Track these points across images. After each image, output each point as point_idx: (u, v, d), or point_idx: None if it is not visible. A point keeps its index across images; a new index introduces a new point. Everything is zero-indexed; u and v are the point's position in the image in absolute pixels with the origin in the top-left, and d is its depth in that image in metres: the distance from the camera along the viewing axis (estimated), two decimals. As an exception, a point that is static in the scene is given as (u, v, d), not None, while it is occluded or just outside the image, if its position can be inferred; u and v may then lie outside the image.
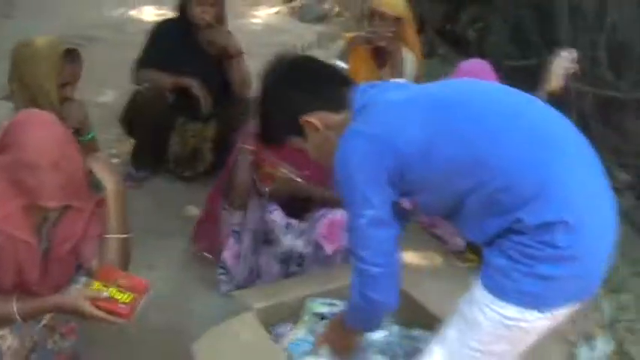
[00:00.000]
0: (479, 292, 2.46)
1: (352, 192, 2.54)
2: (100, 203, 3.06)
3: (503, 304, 2.40)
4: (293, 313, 3.46)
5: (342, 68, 2.92)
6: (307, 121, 2.71)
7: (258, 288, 3.97)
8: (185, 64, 5.04)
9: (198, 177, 5.32)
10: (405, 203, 2.69)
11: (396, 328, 3.38)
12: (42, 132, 2.81)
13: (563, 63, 4.40)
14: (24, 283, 2.91)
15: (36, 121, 2.87)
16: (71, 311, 2.77)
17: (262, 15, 10.32)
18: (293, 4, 10.66)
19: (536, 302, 2.39)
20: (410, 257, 4.58)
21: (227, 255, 4.07)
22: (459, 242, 4.75)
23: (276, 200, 4.01)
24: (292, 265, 4.04)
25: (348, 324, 2.89)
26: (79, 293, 2.80)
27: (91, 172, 2.97)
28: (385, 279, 2.60)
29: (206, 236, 4.35)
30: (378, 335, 3.30)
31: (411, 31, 5.08)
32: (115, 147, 5.64)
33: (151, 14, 9.21)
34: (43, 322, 3.03)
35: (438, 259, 4.75)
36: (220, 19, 5.12)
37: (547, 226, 2.32)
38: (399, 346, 3.33)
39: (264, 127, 2.92)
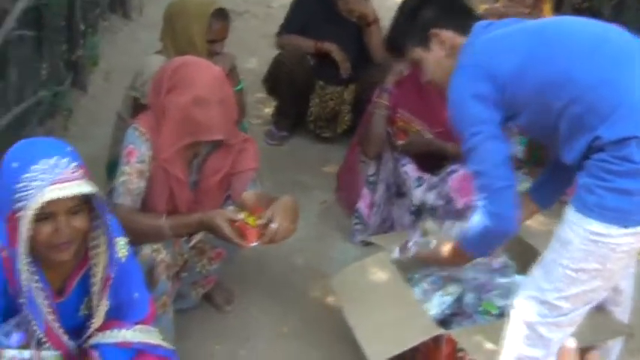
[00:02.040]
0: (569, 213, 2.57)
1: (465, 116, 2.71)
2: (248, 141, 3.33)
3: (589, 220, 2.49)
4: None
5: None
6: (437, 34, 2.89)
7: (394, 234, 4.09)
8: (325, 30, 5.22)
9: (336, 138, 5.49)
10: (513, 129, 2.86)
11: (518, 277, 3.43)
12: (206, 71, 3.09)
13: None
14: (176, 209, 3.17)
15: (198, 63, 3.17)
16: (209, 226, 3.01)
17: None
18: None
19: (618, 217, 2.46)
20: (542, 225, 4.59)
21: (362, 205, 4.24)
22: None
23: (409, 154, 4.14)
24: (424, 217, 4.10)
25: (466, 248, 2.97)
26: (220, 212, 3.04)
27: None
28: (506, 192, 2.70)
29: (344, 188, 4.55)
30: (501, 279, 3.42)
31: (547, 7, 5.10)
32: (258, 108, 5.88)
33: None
34: (193, 242, 3.31)
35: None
36: None
37: (622, 141, 2.43)
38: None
39: (394, 31, 3.11)
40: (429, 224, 3.32)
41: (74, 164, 2.28)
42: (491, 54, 2.70)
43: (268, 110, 5.82)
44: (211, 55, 3.98)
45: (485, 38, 2.77)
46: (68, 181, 2.24)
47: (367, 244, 4.18)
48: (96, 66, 6.25)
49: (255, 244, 2.97)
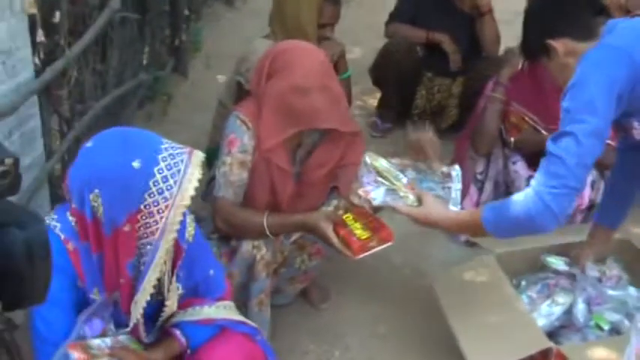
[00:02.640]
0: None
1: (579, 98, 2.56)
2: (357, 134, 3.19)
3: None
4: (532, 263, 3.44)
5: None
6: (552, 44, 2.76)
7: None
8: (436, 20, 5.07)
9: (440, 132, 5.33)
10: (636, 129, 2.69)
11: (632, 289, 3.30)
12: (309, 57, 2.96)
13: None
14: (277, 202, 3.07)
15: (301, 48, 3.04)
16: (312, 229, 2.90)
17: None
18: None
19: None
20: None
21: (468, 203, 4.08)
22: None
23: (521, 151, 3.96)
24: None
25: (489, 223, 2.70)
26: (324, 214, 2.93)
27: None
28: (572, 196, 2.57)
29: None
30: (613, 292, 3.24)
31: None
32: (362, 99, 5.78)
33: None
34: (293, 238, 3.19)
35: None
36: None
37: None
38: (634, 307, 3.25)
39: (524, 40, 3.00)
40: (381, 162, 2.93)
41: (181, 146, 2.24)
42: (632, 39, 2.57)
43: (372, 102, 5.71)
44: (320, 40, 3.89)
45: (628, 24, 2.64)
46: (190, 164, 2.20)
47: (471, 244, 4.03)
48: (198, 52, 6.28)
49: (360, 257, 2.82)
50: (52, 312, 2.20)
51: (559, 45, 2.75)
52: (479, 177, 4.07)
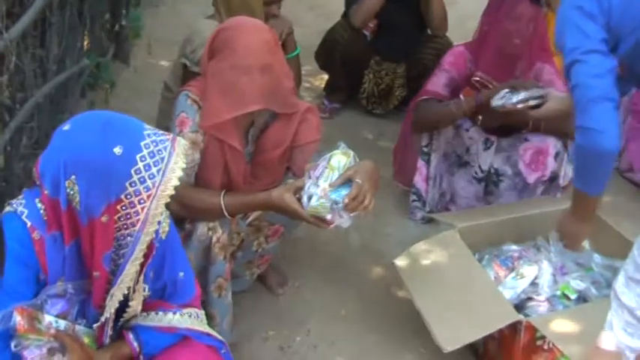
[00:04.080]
0: None
1: (568, 28, 2.71)
2: (309, 110, 3.08)
3: None
4: (496, 236, 3.39)
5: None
6: None
7: (458, 212, 3.96)
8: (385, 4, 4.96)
9: (389, 112, 5.33)
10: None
11: (597, 257, 3.30)
12: (251, 35, 2.83)
13: None
14: (231, 183, 2.96)
15: (247, 26, 2.90)
16: (277, 205, 2.78)
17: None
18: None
19: None
20: (606, 200, 4.42)
21: (418, 179, 4.06)
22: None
23: (488, 126, 3.90)
24: (490, 184, 3.98)
25: (576, 185, 2.90)
26: (286, 188, 2.79)
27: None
28: (600, 105, 2.61)
29: (400, 162, 4.35)
30: (579, 261, 3.25)
31: None
32: (309, 81, 5.70)
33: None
34: (250, 219, 3.10)
35: (635, 204, 4.55)
36: None
37: None
38: (600, 274, 3.25)
39: None
40: (338, 157, 2.81)
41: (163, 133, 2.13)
42: None
43: (319, 83, 5.65)
44: (267, 18, 3.78)
45: None
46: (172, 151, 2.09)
47: (428, 221, 4.03)
48: (138, 38, 6.13)
49: (336, 223, 2.70)
50: (9, 305, 2.07)
51: None
52: (425, 150, 4.02)
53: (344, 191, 2.66)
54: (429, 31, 5.13)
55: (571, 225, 3.07)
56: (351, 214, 2.68)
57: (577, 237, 3.14)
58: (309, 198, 2.67)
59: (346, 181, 2.69)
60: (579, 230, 3.09)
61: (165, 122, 3.23)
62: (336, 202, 2.64)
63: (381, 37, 5.06)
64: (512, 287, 3.10)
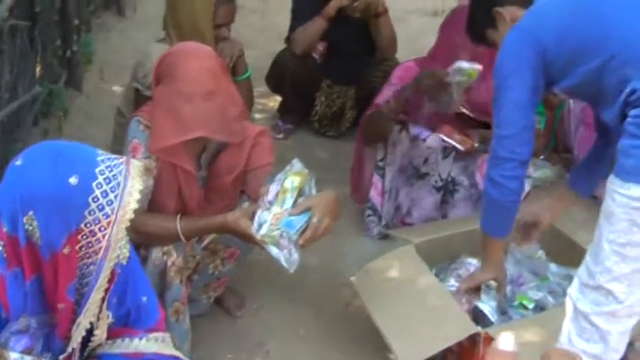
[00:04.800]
0: (610, 181, 2.44)
1: (499, 75, 2.73)
2: (262, 134, 3.09)
3: (628, 185, 2.36)
4: (452, 250, 3.42)
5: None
6: (500, 12, 2.94)
7: (413, 227, 3.99)
8: (332, 30, 4.97)
9: (342, 134, 5.36)
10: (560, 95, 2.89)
11: (553, 266, 3.36)
12: (196, 62, 2.84)
13: None
14: (185, 208, 2.95)
15: (191, 52, 2.92)
16: (232, 229, 2.78)
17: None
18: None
19: None
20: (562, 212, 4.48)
21: (373, 193, 4.08)
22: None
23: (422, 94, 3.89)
24: (446, 194, 4.05)
25: (482, 229, 2.93)
26: (242, 211, 2.80)
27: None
28: (508, 163, 2.70)
29: (356, 179, 4.35)
30: (535, 270, 3.31)
31: None
32: (262, 103, 5.70)
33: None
34: (205, 243, 3.09)
35: (589, 213, 4.59)
36: None
37: None
38: (557, 284, 3.29)
39: (470, 17, 3.19)
40: (292, 179, 2.78)
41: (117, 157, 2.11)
42: (538, 19, 2.70)
43: (273, 104, 5.65)
44: (218, 40, 3.78)
45: (541, 2, 2.75)
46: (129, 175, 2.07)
47: (384, 237, 4.05)
48: (90, 64, 6.09)
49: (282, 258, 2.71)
50: None
51: (505, 13, 2.93)
52: (380, 164, 4.04)
53: (298, 223, 2.67)
54: (378, 54, 5.15)
55: (481, 269, 3.09)
56: (299, 250, 2.70)
57: (495, 267, 3.09)
58: (260, 225, 2.67)
59: (304, 209, 2.70)
60: (493, 262, 3.05)
61: (119, 148, 3.21)
62: (286, 232, 2.65)
63: (331, 60, 5.08)
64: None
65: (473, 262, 3.30)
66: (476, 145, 3.86)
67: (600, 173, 3.03)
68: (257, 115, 5.42)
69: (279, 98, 5.48)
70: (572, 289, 2.54)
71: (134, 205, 2.03)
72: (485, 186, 2.81)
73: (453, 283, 3.25)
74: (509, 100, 2.69)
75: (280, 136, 5.25)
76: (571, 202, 3.17)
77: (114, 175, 2.03)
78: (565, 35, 2.58)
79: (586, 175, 3.10)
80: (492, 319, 3.08)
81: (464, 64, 3.59)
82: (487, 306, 3.11)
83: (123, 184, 2.03)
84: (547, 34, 2.62)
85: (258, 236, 2.67)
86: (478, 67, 3.61)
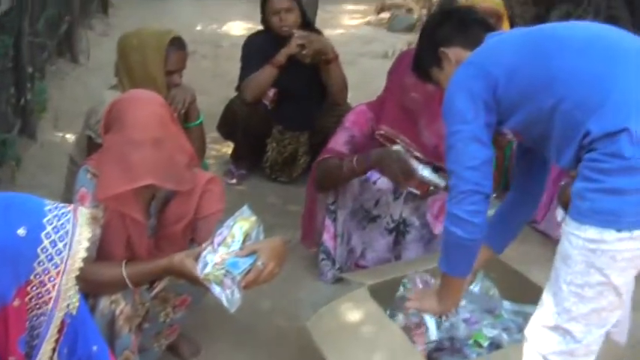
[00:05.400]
0: (566, 223, 2.46)
1: (451, 111, 2.70)
2: (212, 181, 3.10)
3: (584, 227, 2.37)
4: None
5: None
6: (445, 52, 2.94)
7: (367, 270, 3.99)
8: (283, 77, 5.04)
9: (294, 180, 5.39)
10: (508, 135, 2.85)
11: (506, 303, 3.38)
12: (143, 109, 2.85)
13: None
14: (135, 257, 2.94)
15: (139, 99, 2.93)
16: (179, 271, 2.77)
17: (351, 25, 10.33)
18: (382, 15, 10.67)
19: (610, 219, 2.34)
20: (513, 249, 4.51)
21: (326, 237, 4.08)
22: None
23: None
24: (398, 235, 4.07)
25: (442, 269, 2.86)
26: (188, 253, 2.79)
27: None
28: (472, 197, 2.63)
29: (308, 224, 4.36)
30: (489, 308, 3.32)
31: (505, 28, 5.03)
32: (216, 148, 5.74)
33: (241, 28, 9.36)
34: (155, 290, 3.06)
35: (542, 250, 4.66)
36: (305, 24, 5.16)
37: (611, 136, 2.33)
38: (511, 320, 3.32)
39: (417, 54, 3.15)
40: (240, 224, 2.80)
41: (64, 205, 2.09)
42: (489, 54, 2.72)
43: (226, 150, 5.69)
44: (170, 87, 3.79)
45: (491, 40, 2.78)
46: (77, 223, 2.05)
47: (338, 280, 4.05)
48: (44, 112, 6.07)
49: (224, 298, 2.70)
50: None
51: (450, 53, 2.93)
52: (331, 208, 4.05)
53: (243, 265, 2.68)
54: (330, 99, 5.18)
55: (438, 303, 3.00)
56: (241, 291, 2.70)
57: (449, 307, 3.06)
58: (205, 265, 2.68)
59: (250, 252, 2.71)
60: (449, 302, 3.01)
61: (71, 196, 3.19)
62: (230, 272, 2.65)
63: (282, 106, 5.14)
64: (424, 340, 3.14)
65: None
66: (431, 188, 3.89)
67: (512, 233, 3.12)
68: (210, 161, 5.44)
69: (232, 144, 5.50)
70: (529, 330, 2.56)
71: (83, 254, 2.02)
72: (447, 225, 2.72)
73: (407, 323, 3.25)
74: (464, 134, 2.65)
75: (233, 181, 5.28)
76: (486, 256, 3.13)
77: (62, 224, 2.02)
78: (515, 74, 2.59)
79: (497, 232, 3.09)
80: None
81: (430, 176, 3.68)
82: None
83: (71, 233, 2.03)
84: (498, 69, 2.63)
85: (201, 275, 2.67)
86: (443, 184, 3.69)
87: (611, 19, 6.65)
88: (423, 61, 3.08)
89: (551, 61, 2.53)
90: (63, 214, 2.04)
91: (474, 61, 2.72)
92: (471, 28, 2.95)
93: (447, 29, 2.96)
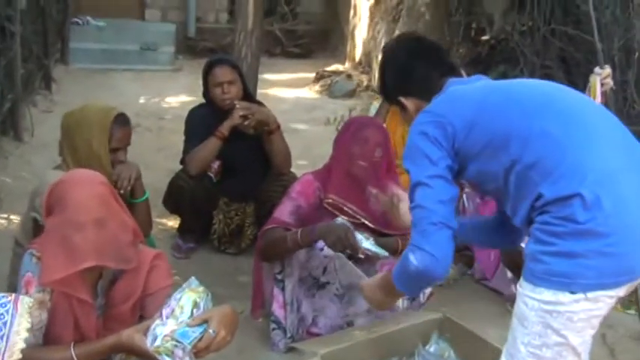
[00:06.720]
0: (521, 285, 2.49)
1: (416, 154, 2.72)
2: (158, 257, 3.10)
3: (539, 289, 2.41)
4: (357, 358, 3.43)
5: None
6: (402, 102, 2.99)
7: (319, 338, 3.97)
8: (226, 148, 5.06)
9: (241, 251, 5.38)
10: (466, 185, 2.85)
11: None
12: (84, 190, 2.85)
13: (598, 80, 4.30)
14: (84, 339, 2.91)
15: (79, 180, 2.93)
16: (129, 347, 2.76)
17: (291, 94, 10.41)
18: (322, 82, 10.76)
19: (565, 282, 2.38)
20: (467, 308, 4.54)
21: (275, 306, 4.07)
22: (514, 290, 4.72)
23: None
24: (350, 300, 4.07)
25: (396, 284, 2.85)
26: (137, 328, 2.78)
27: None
28: (441, 232, 2.62)
29: (256, 299, 4.38)
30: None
31: None
32: (162, 222, 5.70)
33: (183, 101, 9.37)
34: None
35: (495, 308, 4.69)
36: (247, 95, 5.22)
37: (564, 200, 2.38)
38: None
39: (381, 92, 3.26)
40: (187, 295, 2.80)
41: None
42: (450, 106, 2.74)
43: (173, 224, 5.65)
44: (114, 164, 3.79)
45: (452, 90, 2.81)
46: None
47: (291, 349, 4.02)
48: (-14, 193, 5.99)
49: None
50: None
51: (409, 103, 2.98)
52: (278, 277, 4.05)
53: (193, 334, 2.67)
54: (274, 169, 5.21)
55: (380, 297, 3.08)
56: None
57: (383, 306, 3.21)
58: (155, 338, 2.67)
59: (200, 322, 2.70)
60: (386, 302, 3.12)
61: (16, 279, 3.16)
62: (181, 343, 2.64)
63: (227, 178, 5.15)
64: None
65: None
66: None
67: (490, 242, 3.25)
68: (158, 235, 5.36)
69: (178, 218, 5.48)
70: None
71: (21, 345, 2.01)
72: (409, 254, 2.67)
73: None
74: (432, 172, 2.67)
75: (181, 255, 5.25)
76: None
77: (0, 315, 2.00)
78: (473, 128, 2.64)
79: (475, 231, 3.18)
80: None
81: (373, 249, 3.77)
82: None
83: (10, 323, 2.01)
84: (457, 121, 2.67)
85: (151, 348, 2.66)
86: (385, 254, 3.78)
87: (547, 79, 6.83)
88: (388, 99, 3.19)
89: (509, 120, 2.58)
90: (2, 304, 2.03)
91: (435, 111, 2.76)
92: (428, 78, 2.95)
93: (404, 81, 2.99)
